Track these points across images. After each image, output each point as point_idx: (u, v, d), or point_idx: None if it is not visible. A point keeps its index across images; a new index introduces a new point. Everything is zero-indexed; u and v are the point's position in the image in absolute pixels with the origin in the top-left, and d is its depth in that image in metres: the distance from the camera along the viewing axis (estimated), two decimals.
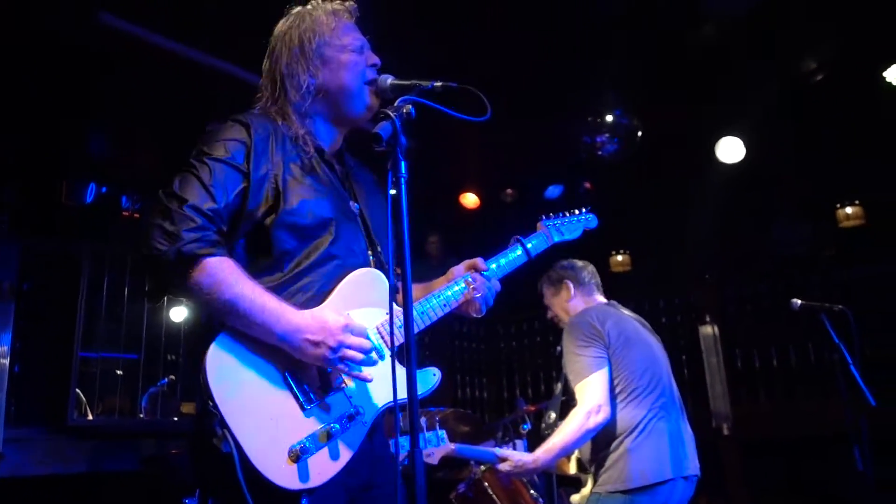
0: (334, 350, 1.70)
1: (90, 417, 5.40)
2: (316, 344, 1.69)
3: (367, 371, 1.80)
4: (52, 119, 5.66)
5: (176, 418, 5.90)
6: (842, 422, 4.04)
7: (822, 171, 6.59)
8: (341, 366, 1.72)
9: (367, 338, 1.79)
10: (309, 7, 2.08)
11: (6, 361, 4.80)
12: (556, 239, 2.52)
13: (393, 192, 1.60)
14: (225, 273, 1.69)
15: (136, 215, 6.64)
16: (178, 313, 6.44)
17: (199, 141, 1.86)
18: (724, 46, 5.36)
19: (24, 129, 5.72)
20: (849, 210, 6.88)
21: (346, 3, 2.11)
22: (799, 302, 3.96)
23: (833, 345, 3.83)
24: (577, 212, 2.69)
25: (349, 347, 1.72)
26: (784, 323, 6.95)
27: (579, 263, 3.62)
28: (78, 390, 5.27)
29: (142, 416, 5.76)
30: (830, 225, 7.04)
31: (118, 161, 6.59)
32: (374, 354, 1.80)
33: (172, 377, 6.06)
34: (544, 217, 2.58)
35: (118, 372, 5.78)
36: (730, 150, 6.25)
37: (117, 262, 5.65)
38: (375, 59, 2.07)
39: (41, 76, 5.15)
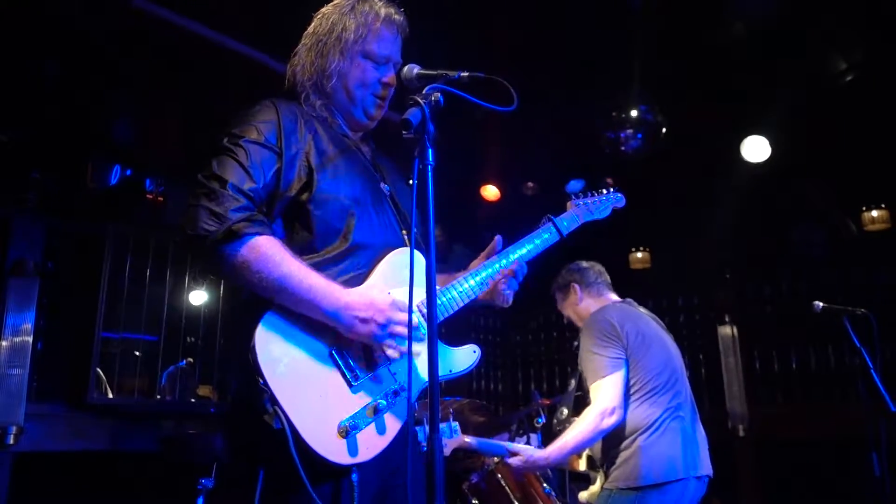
0: (383, 326, 1.74)
1: (110, 396, 5.48)
2: (365, 321, 1.73)
3: (415, 346, 1.83)
4: (78, 102, 5.73)
5: (193, 399, 5.97)
6: (860, 426, 4.01)
7: (848, 173, 6.50)
8: (390, 340, 1.76)
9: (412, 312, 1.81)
10: (365, 2, 2.08)
11: (30, 339, 4.88)
12: (587, 218, 2.53)
13: (411, 182, 1.61)
14: (272, 252, 1.71)
15: (160, 198, 6.71)
16: (199, 296, 6.51)
17: (230, 124, 1.88)
18: (753, 44, 5.29)
19: (51, 111, 5.79)
20: (874, 213, 6.78)
21: (401, 18, 2.11)
22: (821, 304, 3.92)
23: (854, 348, 3.80)
24: (605, 191, 2.70)
25: (397, 323, 1.76)
26: (804, 325, 6.89)
27: (584, 264, 3.64)
28: (98, 370, 5.35)
29: (159, 396, 5.82)
30: (855, 227, 6.94)
31: (143, 145, 6.65)
32: (419, 332, 1.85)
33: (191, 360, 6.12)
34: (574, 196, 2.60)
35: (136, 353, 5.85)
36: (755, 148, 6.18)
37: (140, 245, 5.70)
38: (391, 80, 2.08)
39: (68, 59, 5.21)
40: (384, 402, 1.77)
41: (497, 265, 2.11)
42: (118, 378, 5.61)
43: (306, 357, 1.73)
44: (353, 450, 1.70)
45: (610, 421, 3.06)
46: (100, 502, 5.17)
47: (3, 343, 4.79)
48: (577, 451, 3.23)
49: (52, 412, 5.00)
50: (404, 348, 1.78)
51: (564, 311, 3.68)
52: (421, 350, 1.86)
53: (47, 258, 5.27)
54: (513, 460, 3.29)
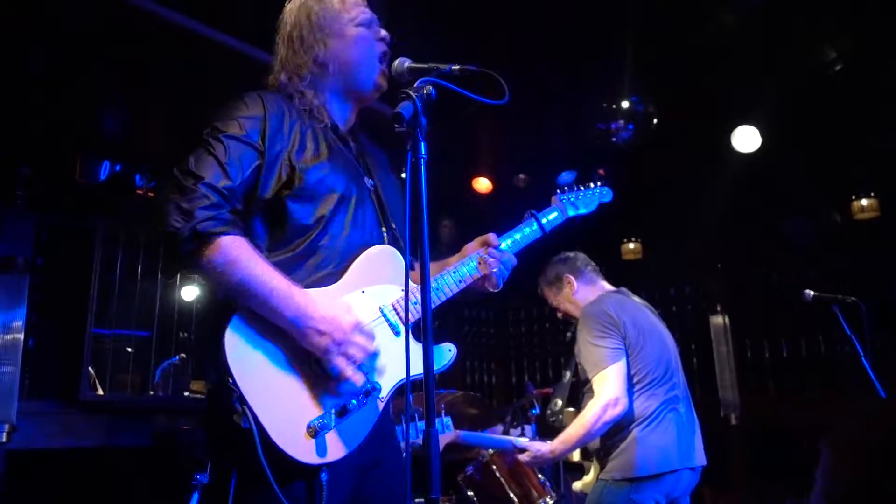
0: (337, 344, 1.71)
1: (100, 392, 5.45)
2: (321, 333, 1.70)
3: (391, 345, 1.83)
4: (66, 96, 5.68)
5: (187, 393, 5.95)
6: (851, 414, 4.03)
7: (837, 163, 6.52)
8: (340, 359, 1.72)
9: (373, 342, 1.79)
10: None
11: (21, 336, 4.85)
12: (571, 213, 2.49)
13: (403, 175, 1.60)
14: (238, 253, 1.70)
15: (150, 194, 6.66)
16: (190, 292, 6.48)
17: (213, 117, 1.86)
18: (743, 34, 5.30)
19: (39, 106, 5.74)
20: (864, 202, 6.82)
21: None
22: (812, 293, 3.95)
23: (844, 337, 3.83)
24: (591, 185, 2.65)
25: (352, 345, 1.73)
26: (795, 314, 6.93)
27: (570, 254, 3.60)
28: (90, 368, 5.33)
29: (152, 392, 5.81)
30: (845, 217, 6.98)
31: (132, 139, 6.60)
32: (373, 385, 1.80)
33: (183, 355, 6.10)
34: (559, 191, 2.55)
35: (128, 350, 5.83)
36: (745, 139, 6.20)
37: (131, 240, 5.68)
38: (384, 34, 2.09)
39: (56, 53, 5.16)
40: (354, 402, 1.76)
41: (474, 262, 2.10)
42: (110, 374, 5.59)
43: (276, 356, 1.73)
44: (321, 450, 1.69)
45: (615, 412, 3.05)
46: (94, 499, 5.15)
47: None
48: (583, 444, 3.22)
49: (45, 410, 4.98)
50: (349, 373, 1.74)
51: (560, 306, 3.61)
52: (396, 350, 1.85)
53: (37, 254, 5.24)
54: (522, 457, 3.30)
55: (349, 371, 1.73)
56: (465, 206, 7.30)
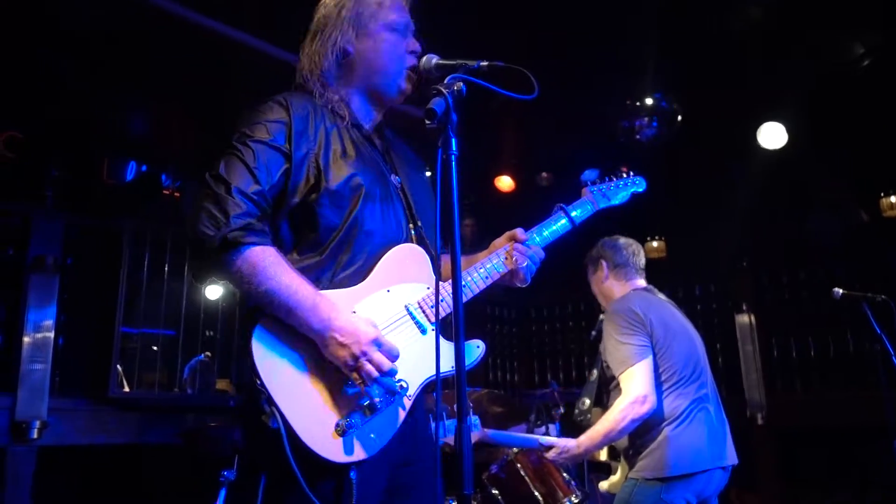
0: (356, 357, 1.71)
1: (126, 390, 5.53)
2: (342, 346, 1.71)
3: (417, 345, 1.83)
4: (93, 98, 5.76)
5: (214, 391, 6.02)
6: (881, 413, 3.98)
7: (865, 159, 6.44)
8: (355, 375, 1.73)
9: (394, 360, 1.78)
10: None
11: (51, 334, 4.93)
12: (602, 205, 2.41)
13: (428, 173, 1.60)
14: (265, 263, 1.72)
15: (176, 194, 6.75)
16: (215, 291, 6.55)
17: (240, 122, 1.87)
18: (769, 30, 5.24)
19: (66, 108, 5.83)
20: (893, 199, 6.72)
21: None
22: (840, 291, 3.90)
23: (874, 335, 3.77)
24: (623, 175, 2.55)
25: (370, 361, 1.73)
26: (823, 312, 6.84)
27: (622, 241, 3.51)
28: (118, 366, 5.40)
29: (177, 389, 5.87)
30: (867, 216, 6.89)
31: (158, 140, 6.69)
32: (400, 383, 1.80)
33: (209, 353, 6.17)
34: (590, 183, 2.47)
35: (154, 348, 5.90)
36: (771, 135, 6.13)
37: (158, 240, 5.75)
38: (416, 46, 2.06)
39: (83, 56, 5.24)
40: (382, 401, 1.76)
41: (501, 257, 2.08)
42: (138, 373, 5.66)
43: (303, 357, 1.75)
44: (349, 448, 1.70)
45: (642, 409, 3.01)
46: (123, 495, 5.23)
47: (26, 339, 4.85)
48: (609, 441, 3.18)
49: (75, 407, 5.06)
50: (364, 390, 1.74)
51: (591, 284, 3.59)
52: (423, 348, 1.86)
53: (66, 254, 5.32)
54: (549, 454, 3.28)
55: (366, 384, 1.75)
56: (487, 205, 7.30)
